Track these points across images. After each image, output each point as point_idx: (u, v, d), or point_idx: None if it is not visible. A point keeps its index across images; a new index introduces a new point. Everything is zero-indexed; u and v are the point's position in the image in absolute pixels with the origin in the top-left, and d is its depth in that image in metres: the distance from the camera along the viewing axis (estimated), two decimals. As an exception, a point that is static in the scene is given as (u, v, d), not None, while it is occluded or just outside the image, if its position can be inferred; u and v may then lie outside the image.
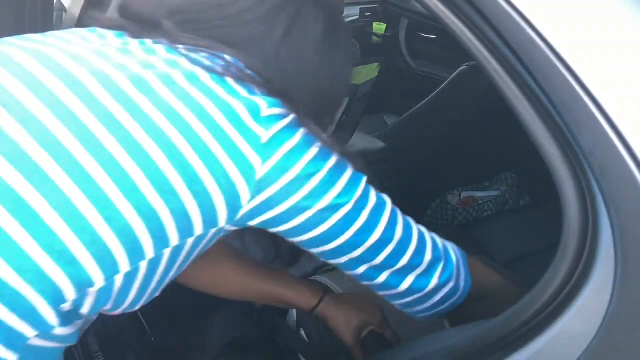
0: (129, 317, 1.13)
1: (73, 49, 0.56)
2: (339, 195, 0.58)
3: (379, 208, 0.62)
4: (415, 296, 0.67)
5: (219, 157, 0.52)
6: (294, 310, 1.16)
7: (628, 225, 0.46)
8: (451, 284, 0.68)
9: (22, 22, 1.06)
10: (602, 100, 0.46)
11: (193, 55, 0.57)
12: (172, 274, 0.58)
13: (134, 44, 0.59)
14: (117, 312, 0.57)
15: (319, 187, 0.57)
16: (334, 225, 0.59)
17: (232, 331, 1.15)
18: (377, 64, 2.00)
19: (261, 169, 0.54)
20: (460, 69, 1.48)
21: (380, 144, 1.78)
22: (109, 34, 0.62)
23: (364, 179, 0.61)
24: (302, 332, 1.11)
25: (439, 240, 0.69)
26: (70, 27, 1.25)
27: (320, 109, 0.66)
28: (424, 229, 0.68)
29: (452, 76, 1.51)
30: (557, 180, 0.52)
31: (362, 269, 0.64)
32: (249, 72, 0.59)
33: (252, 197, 0.55)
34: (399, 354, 0.84)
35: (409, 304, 0.69)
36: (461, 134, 1.56)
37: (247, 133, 0.54)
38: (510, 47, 0.52)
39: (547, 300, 0.52)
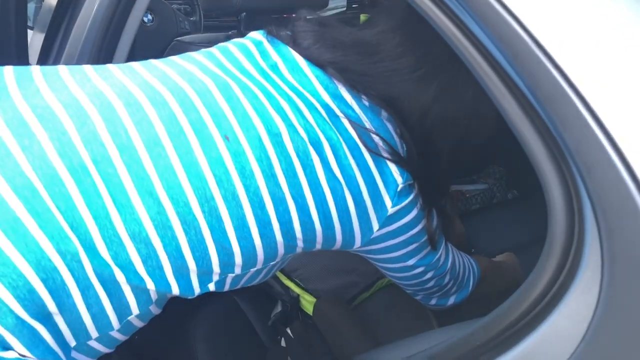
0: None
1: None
2: (421, 260, 0.74)
3: (442, 269, 0.78)
4: (436, 307, 0.88)
5: (352, 218, 0.65)
6: (279, 306, 1.15)
7: (614, 226, 0.44)
8: (460, 301, 0.87)
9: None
10: (589, 97, 0.44)
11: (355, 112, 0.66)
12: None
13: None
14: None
15: (411, 252, 0.72)
16: (411, 277, 0.77)
17: (216, 330, 1.13)
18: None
19: (376, 233, 0.67)
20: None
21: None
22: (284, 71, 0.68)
23: (441, 251, 0.77)
24: (287, 330, 1.10)
25: (468, 272, 0.86)
26: (46, 18, 1.21)
27: (459, 157, 0.76)
28: (462, 266, 0.85)
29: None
30: (542, 178, 0.50)
31: (409, 291, 0.85)
32: (396, 138, 0.68)
33: (360, 247, 0.69)
34: (388, 353, 0.83)
35: (429, 306, 0.89)
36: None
37: (379, 204, 0.65)
38: (494, 42, 0.50)
39: (533, 303, 0.51)
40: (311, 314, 1.06)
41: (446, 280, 0.81)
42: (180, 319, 1.17)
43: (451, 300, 0.86)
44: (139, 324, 0.62)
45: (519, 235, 1.34)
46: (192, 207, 0.57)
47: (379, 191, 0.65)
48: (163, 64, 0.66)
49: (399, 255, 0.72)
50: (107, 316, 0.57)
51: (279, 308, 1.15)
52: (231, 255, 0.60)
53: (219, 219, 0.58)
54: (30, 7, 1.29)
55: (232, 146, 0.58)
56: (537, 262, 0.52)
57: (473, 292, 0.88)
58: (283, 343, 1.07)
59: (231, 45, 0.71)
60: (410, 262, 0.73)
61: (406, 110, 0.68)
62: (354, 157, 0.64)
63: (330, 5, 2.14)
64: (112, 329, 0.58)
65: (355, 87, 0.66)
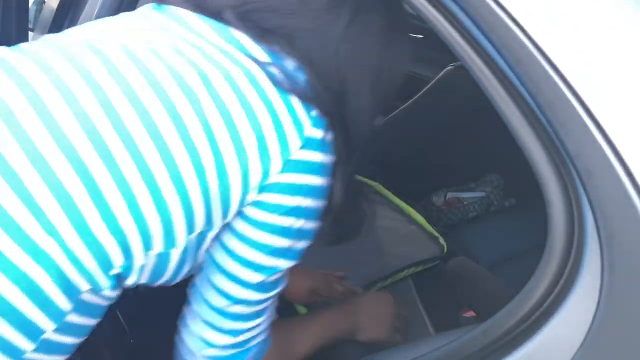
0: (109, 318, 1.10)
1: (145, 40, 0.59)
2: (282, 254, 0.63)
3: (271, 288, 0.66)
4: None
5: (247, 150, 0.57)
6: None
7: (614, 231, 0.45)
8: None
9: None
10: (589, 102, 0.44)
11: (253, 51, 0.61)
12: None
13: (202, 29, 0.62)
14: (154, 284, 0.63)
15: (288, 231, 0.62)
16: (252, 265, 0.63)
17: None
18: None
19: (274, 177, 0.59)
20: (446, 69, 1.47)
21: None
22: (177, 19, 0.63)
23: (285, 274, 0.66)
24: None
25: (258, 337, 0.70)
26: (47, 20, 1.21)
27: (374, 102, 0.68)
28: (265, 324, 0.70)
29: (438, 76, 1.50)
30: (542, 183, 0.51)
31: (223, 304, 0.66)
32: (307, 76, 0.62)
33: (251, 194, 0.59)
34: (387, 357, 0.82)
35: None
36: (447, 135, 1.55)
37: (283, 143, 0.58)
38: (495, 47, 0.50)
39: (532, 308, 0.51)
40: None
41: (255, 309, 0.66)
42: (176, 322, 1.16)
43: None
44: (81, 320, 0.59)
45: (516, 243, 1.35)
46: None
47: (283, 130, 0.59)
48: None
49: (276, 227, 0.62)
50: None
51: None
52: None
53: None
54: (31, 9, 1.29)
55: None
56: (537, 268, 0.52)
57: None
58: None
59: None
60: (277, 243, 0.63)
61: (315, 45, 0.64)
62: (256, 89, 0.59)
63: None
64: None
65: (254, 30, 0.62)
